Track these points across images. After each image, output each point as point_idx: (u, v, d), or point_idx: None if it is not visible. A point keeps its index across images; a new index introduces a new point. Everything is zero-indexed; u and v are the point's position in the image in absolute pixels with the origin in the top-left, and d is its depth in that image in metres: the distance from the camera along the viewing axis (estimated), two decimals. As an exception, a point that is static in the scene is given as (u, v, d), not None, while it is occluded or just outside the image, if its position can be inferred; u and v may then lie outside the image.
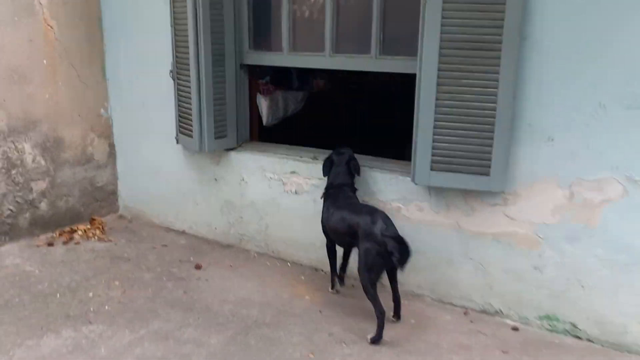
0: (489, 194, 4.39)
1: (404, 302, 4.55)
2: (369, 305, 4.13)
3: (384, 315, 4.00)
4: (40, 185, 5.91)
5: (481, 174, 4.24)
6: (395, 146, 5.67)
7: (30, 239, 5.88)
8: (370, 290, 3.96)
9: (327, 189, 4.62)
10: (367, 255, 3.92)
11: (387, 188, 4.85)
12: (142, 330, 4.29)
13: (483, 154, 4.19)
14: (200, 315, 4.52)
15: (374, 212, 4.20)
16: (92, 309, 4.60)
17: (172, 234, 6.23)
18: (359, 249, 4.01)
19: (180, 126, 5.80)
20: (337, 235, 4.45)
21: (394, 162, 5.01)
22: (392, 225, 3.96)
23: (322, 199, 4.61)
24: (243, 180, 5.65)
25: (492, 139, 4.13)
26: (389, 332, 4.23)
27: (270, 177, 5.46)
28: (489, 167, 4.20)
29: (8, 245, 5.70)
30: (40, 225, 5.97)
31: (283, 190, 5.37)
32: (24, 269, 5.28)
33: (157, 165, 6.28)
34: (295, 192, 5.30)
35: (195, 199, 6.06)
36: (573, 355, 4.09)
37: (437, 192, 4.51)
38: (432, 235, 4.67)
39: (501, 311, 4.57)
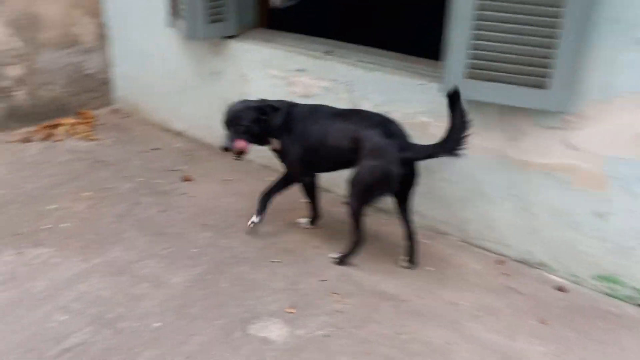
0: (546, 114, 3.26)
1: (424, 242, 3.61)
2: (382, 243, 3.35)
3: (363, 243, 3.51)
4: (15, 71, 5.09)
5: (537, 86, 3.10)
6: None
7: (6, 133, 5.13)
8: (358, 217, 3.37)
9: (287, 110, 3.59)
10: (371, 174, 3.22)
11: (413, 97, 3.76)
12: (96, 259, 3.53)
13: (541, 58, 3.02)
14: (171, 243, 3.73)
15: (386, 123, 3.30)
16: (48, 226, 3.86)
17: (168, 135, 5.37)
18: (358, 164, 3.27)
19: (172, 6, 4.74)
20: (327, 156, 3.46)
21: (426, 64, 3.88)
22: (407, 138, 3.30)
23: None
24: (244, 76, 4.65)
25: (556, 37, 2.95)
26: (395, 280, 3.37)
27: (274, 75, 4.43)
28: (549, 77, 3.06)
29: (-22, 140, 4.98)
30: (18, 117, 5.21)
31: (289, 91, 4.35)
32: (-13, 169, 4.57)
33: (152, 52, 5.31)
34: (304, 95, 4.27)
35: (193, 96, 5.13)
36: (636, 331, 3.10)
37: (475, 107, 3.39)
38: (465, 161, 3.61)
39: (545, 264, 3.57)
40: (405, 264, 3.54)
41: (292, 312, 3.14)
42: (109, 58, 5.72)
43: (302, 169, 3.58)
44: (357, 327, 3.05)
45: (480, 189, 3.68)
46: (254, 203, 3.76)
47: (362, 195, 3.29)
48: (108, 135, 5.32)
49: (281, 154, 3.57)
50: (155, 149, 5.10)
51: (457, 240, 3.89)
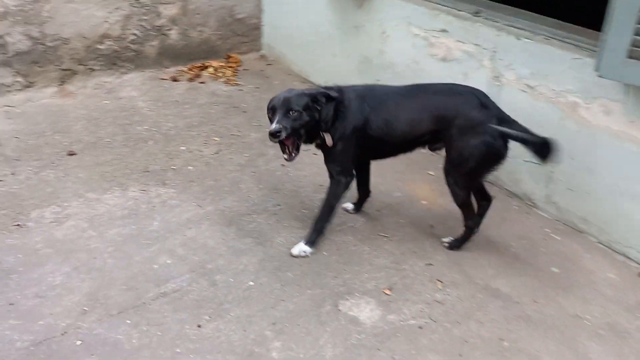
0: None
1: (553, 237, 3.23)
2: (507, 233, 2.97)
3: (475, 231, 3.27)
4: (170, 11, 5.25)
5: None
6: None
7: (157, 70, 5.37)
8: (467, 201, 3.12)
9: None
10: (477, 154, 2.92)
11: (565, 72, 3.28)
12: (210, 206, 3.59)
13: None
14: (283, 200, 3.69)
15: (475, 93, 2.99)
16: (174, 166, 3.99)
17: (305, 87, 5.27)
18: (453, 146, 2.98)
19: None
20: (394, 143, 3.12)
21: (586, 34, 3.33)
22: (501, 110, 2.98)
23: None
24: (384, 32, 4.39)
25: None
26: (511, 277, 3.06)
27: (415, 34, 4.11)
28: None
29: (132, 74, 5.26)
30: (169, 56, 5.41)
31: (428, 53, 4.03)
32: (135, 104, 4.82)
33: (298, 1, 5.19)
34: (443, 59, 3.92)
35: (333, 49, 4.97)
36: None
37: (635, 92, 2.86)
38: (616, 153, 3.12)
39: (701, 287, 3.00)
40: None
41: (388, 294, 2.96)
42: (260, 4, 5.70)
43: (353, 165, 3.17)
44: (455, 324, 2.79)
45: (630, 186, 3.15)
46: (382, 169, 3.54)
47: (468, 178, 3.00)
48: (249, 82, 5.36)
49: (331, 150, 3.06)
50: (291, 99, 5.03)
51: (594, 241, 3.40)
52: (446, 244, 3.26)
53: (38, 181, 3.79)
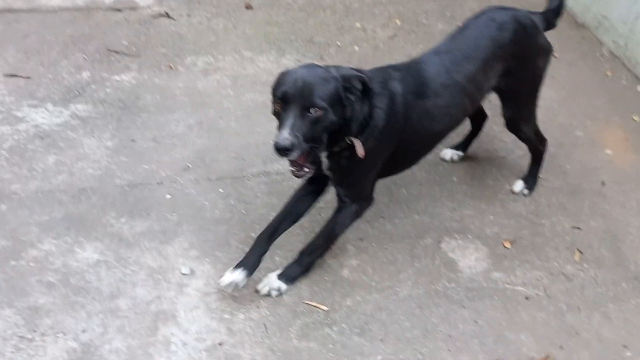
0: None
1: None
2: None
3: None
4: None
5: None
6: None
7: None
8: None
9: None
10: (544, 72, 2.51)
11: None
12: None
13: None
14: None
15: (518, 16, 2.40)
16: (340, 43, 3.71)
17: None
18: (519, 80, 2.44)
19: None
20: (467, 101, 2.35)
21: None
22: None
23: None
24: None
25: None
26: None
27: None
28: None
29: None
30: None
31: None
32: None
33: None
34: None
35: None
36: None
37: None
38: None
39: None
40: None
41: (507, 247, 2.46)
42: None
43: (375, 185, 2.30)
44: (574, 309, 2.23)
45: None
46: (568, 93, 2.88)
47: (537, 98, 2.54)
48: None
49: (356, 165, 2.10)
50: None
51: None
52: (521, 187, 2.71)
53: (207, 28, 3.77)
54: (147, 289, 2.17)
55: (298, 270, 2.23)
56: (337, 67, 2.00)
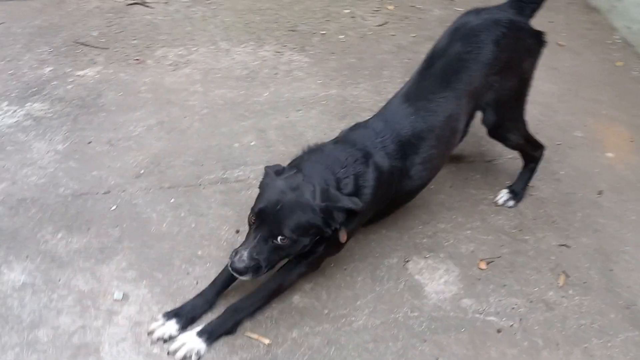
0: None
1: None
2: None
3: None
4: None
5: None
6: None
7: None
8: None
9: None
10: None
11: None
12: (334, 89, 3.06)
13: None
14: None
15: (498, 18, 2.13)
16: (325, 31, 3.47)
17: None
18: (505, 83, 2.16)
19: None
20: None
21: None
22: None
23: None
24: None
25: None
26: None
27: None
28: None
29: None
30: None
31: None
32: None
33: None
34: None
35: None
36: None
37: None
38: None
39: None
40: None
41: (482, 269, 2.20)
42: None
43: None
44: (551, 344, 1.97)
45: None
46: (570, 84, 2.57)
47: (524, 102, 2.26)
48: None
49: (331, 242, 1.98)
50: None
51: None
52: (506, 199, 2.43)
53: (184, 17, 3.54)
54: (72, 317, 1.97)
55: (221, 328, 1.93)
56: (322, 192, 1.84)
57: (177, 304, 2.01)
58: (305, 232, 1.83)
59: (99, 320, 1.97)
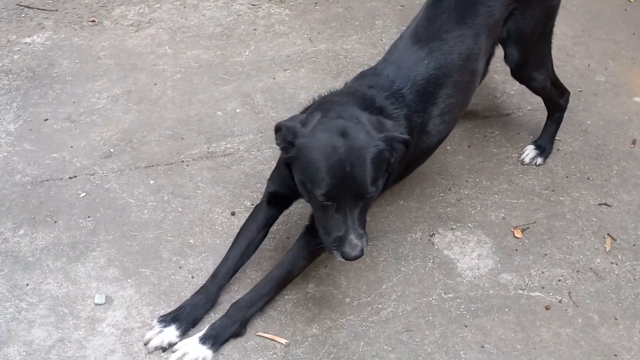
0: None
1: None
2: None
3: None
4: None
5: None
6: None
7: None
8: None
9: None
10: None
11: None
12: (322, 44, 2.72)
13: None
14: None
15: None
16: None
17: None
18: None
19: None
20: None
21: None
22: None
23: None
24: None
25: None
26: None
27: None
28: None
29: None
30: None
31: None
32: None
33: None
34: None
35: None
36: None
37: None
38: None
39: None
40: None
41: (518, 237, 1.94)
42: None
43: None
44: (609, 319, 1.73)
45: None
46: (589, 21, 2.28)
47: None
48: None
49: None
50: None
51: None
52: (532, 156, 2.14)
53: (143, -31, 3.09)
54: (47, 329, 1.64)
55: (228, 330, 1.63)
56: (373, 123, 1.56)
57: (172, 305, 1.70)
58: (381, 172, 1.55)
59: (79, 330, 1.64)
